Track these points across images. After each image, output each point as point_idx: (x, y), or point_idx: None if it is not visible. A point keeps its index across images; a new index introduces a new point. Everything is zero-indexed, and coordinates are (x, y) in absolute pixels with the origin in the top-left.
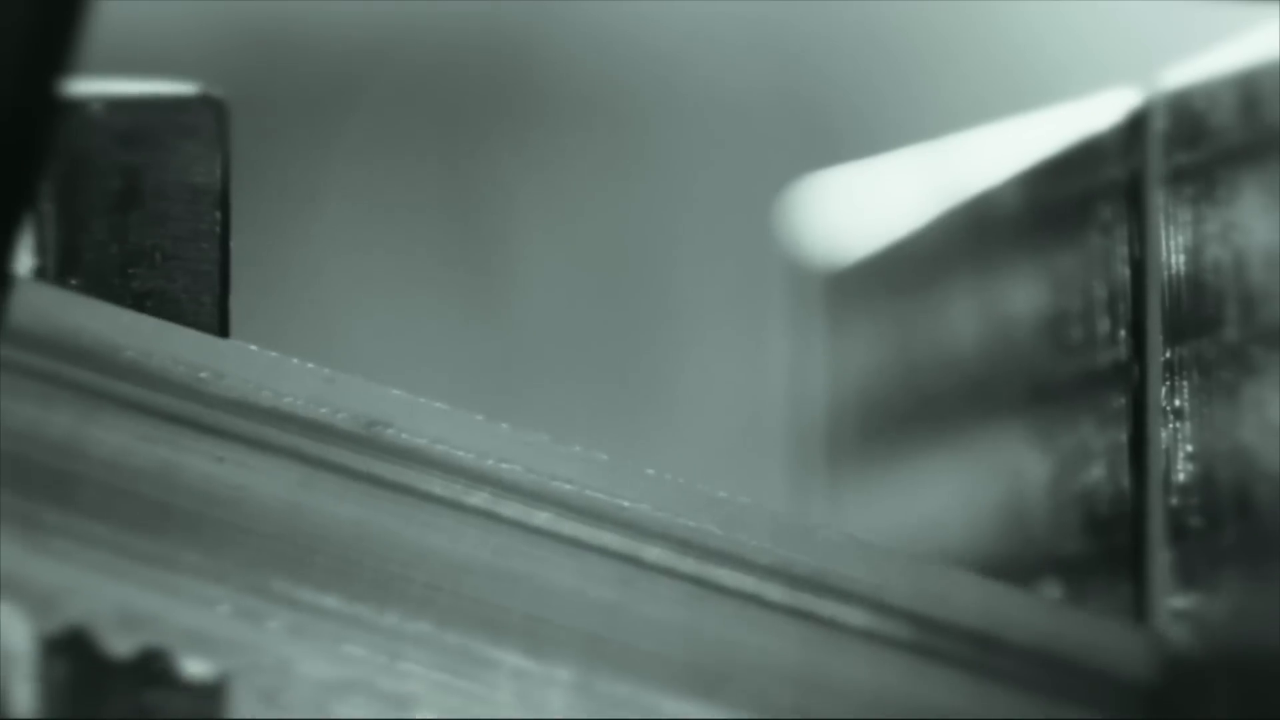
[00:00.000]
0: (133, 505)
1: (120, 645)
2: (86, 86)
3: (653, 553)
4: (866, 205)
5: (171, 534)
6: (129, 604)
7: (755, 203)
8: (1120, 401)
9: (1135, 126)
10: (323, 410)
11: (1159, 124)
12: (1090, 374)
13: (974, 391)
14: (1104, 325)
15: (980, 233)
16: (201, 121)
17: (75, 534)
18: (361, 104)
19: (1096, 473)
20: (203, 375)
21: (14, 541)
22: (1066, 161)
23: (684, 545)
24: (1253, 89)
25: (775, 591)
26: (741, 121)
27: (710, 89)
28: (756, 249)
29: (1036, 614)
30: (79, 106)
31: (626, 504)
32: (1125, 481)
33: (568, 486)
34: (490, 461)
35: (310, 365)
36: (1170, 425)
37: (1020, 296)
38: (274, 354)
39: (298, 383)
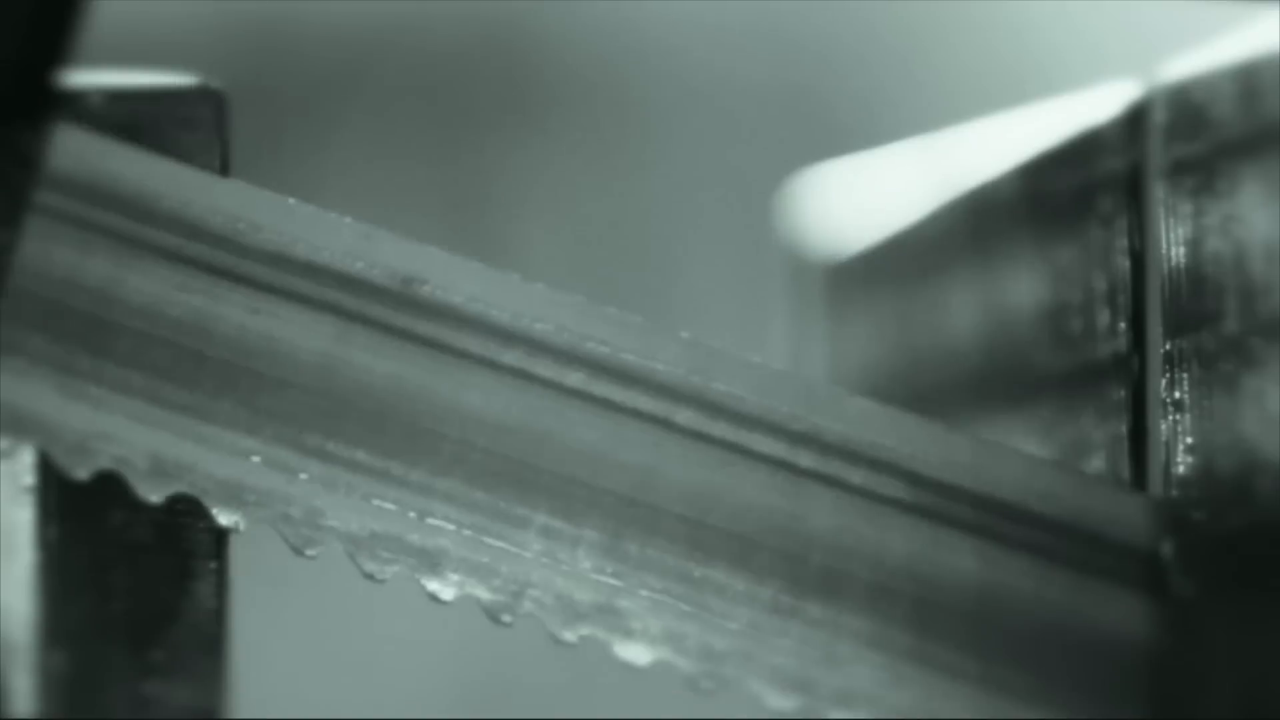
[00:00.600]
0: (167, 354)
1: (152, 493)
2: (86, 78)
3: (684, 416)
4: (867, 197)
5: (205, 384)
6: (161, 452)
7: (756, 195)
8: (1120, 394)
9: (1135, 119)
10: (359, 265)
11: (1159, 116)
12: (1090, 366)
13: (974, 383)
14: (1104, 317)
15: (980, 225)
16: (201, 113)
17: (109, 381)
18: (362, 96)
19: (1096, 465)
20: (240, 226)
21: (48, 387)
22: (1066, 153)
23: (716, 410)
24: (1252, 82)
25: (806, 458)
26: (742, 114)
27: (711, 82)
28: (758, 241)
29: (1066, 486)
30: (79, 98)
31: (660, 367)
32: (1125, 473)
33: (602, 348)
34: (525, 321)
35: (348, 220)
36: (1170, 417)
37: (1020, 288)
38: (311, 207)
39: (334, 237)
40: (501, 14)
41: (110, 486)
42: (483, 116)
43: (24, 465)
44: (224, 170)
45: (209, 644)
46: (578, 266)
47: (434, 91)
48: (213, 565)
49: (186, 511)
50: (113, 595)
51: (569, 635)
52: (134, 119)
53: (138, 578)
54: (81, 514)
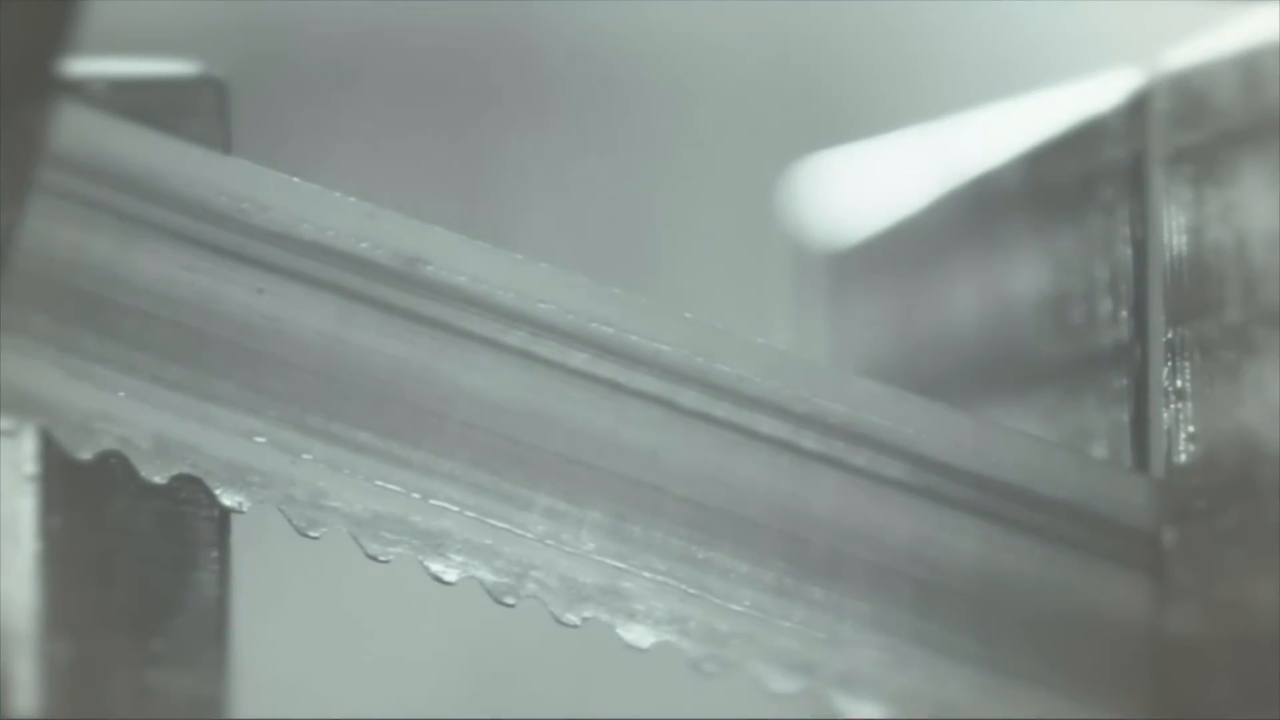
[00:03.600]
0: (171, 334)
1: (155, 474)
2: (89, 66)
3: (688, 397)
4: (869, 185)
5: (209, 364)
6: (165, 432)
7: (758, 183)
8: (1122, 382)
9: (1137, 107)
10: (363, 245)
11: (1161, 105)
12: (1092, 354)
13: (976, 372)
14: (1105, 306)
15: (982, 213)
16: (203, 102)
17: (113, 361)
18: (364, 84)
19: (1098, 453)
20: (245, 206)
21: (52, 367)
22: (1068, 142)
23: (720, 391)
24: (1253, 71)
25: (810, 440)
26: (745, 101)
27: (714, 69)
28: (760, 229)
29: (1069, 468)
30: (82, 86)
31: (664, 348)
32: (1127, 461)
33: (606, 329)
34: (529, 301)
35: (352, 199)
36: (1172, 405)
37: (1022, 276)
38: (316, 186)
39: (339, 216)
40: (502, 2)
41: (112, 475)
42: (484, 106)
43: (27, 453)
44: None
45: (211, 632)
46: (579, 254)
47: (436, 80)
48: (214, 554)
49: (189, 500)
50: (115, 584)
51: (572, 617)
52: (136, 107)
53: (140, 566)
54: (84, 503)
